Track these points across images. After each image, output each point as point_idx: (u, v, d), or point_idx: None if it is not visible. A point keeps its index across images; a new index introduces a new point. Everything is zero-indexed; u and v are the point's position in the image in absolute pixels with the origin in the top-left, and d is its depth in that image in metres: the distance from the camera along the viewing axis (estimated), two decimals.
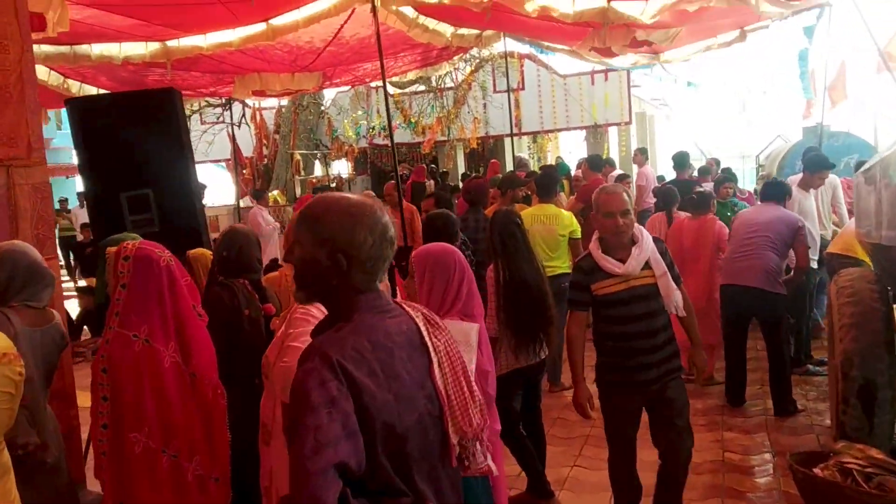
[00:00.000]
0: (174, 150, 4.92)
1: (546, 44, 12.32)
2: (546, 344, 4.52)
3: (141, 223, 4.85)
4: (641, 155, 12.28)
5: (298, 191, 17.10)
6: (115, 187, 4.79)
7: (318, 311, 2.53)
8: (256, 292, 3.71)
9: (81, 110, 4.77)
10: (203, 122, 18.11)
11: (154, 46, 9.32)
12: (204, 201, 18.89)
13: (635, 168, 13.09)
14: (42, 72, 10.26)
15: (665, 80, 18.83)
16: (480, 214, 6.58)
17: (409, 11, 9.27)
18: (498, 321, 4.35)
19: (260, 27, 8.87)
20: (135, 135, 4.79)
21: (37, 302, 3.26)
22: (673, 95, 24.28)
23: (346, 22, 9.39)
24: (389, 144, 17.55)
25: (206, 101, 16.68)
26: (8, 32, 3.99)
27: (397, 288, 4.54)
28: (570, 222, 6.68)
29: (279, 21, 8.80)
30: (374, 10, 8.34)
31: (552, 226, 6.57)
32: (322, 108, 17.99)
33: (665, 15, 7.85)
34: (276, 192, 16.25)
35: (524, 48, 14.79)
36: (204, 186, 5.39)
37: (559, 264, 6.55)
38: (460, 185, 13.98)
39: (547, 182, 6.78)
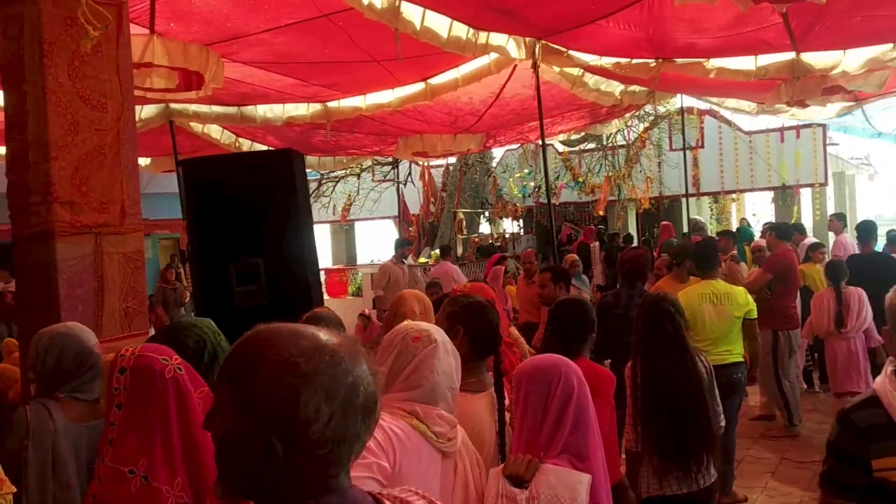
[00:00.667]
0: (289, 217, 4.51)
1: (726, 103, 11.27)
2: (708, 467, 3.58)
3: (249, 295, 4.45)
4: (839, 221, 10.72)
5: (460, 249, 16.75)
6: (223, 255, 4.43)
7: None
8: None
9: (194, 172, 4.48)
10: (374, 180, 18.32)
11: (315, 108, 9.33)
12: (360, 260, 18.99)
13: (831, 236, 11.50)
14: (215, 130, 10.63)
15: (867, 135, 16.89)
16: (636, 291, 5.67)
17: (573, 69, 8.64)
18: (635, 432, 3.51)
19: (418, 87, 8.60)
20: (248, 199, 4.43)
21: (86, 394, 2.84)
22: (878, 153, 21.87)
23: (506, 82, 8.93)
24: (555, 204, 17.09)
25: (375, 159, 16.81)
26: (107, 90, 3.73)
27: None
28: (745, 300, 5.64)
29: (438, 80, 8.49)
30: (534, 66, 7.80)
31: (725, 306, 5.56)
32: (488, 166, 17.64)
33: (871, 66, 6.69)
34: (437, 251, 15.97)
35: (704, 104, 13.73)
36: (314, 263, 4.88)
37: (731, 350, 5.52)
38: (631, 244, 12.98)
39: (707, 253, 5.77)
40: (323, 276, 18.37)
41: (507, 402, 2.59)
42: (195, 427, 2.07)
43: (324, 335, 1.12)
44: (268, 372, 1.05)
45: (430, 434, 2.05)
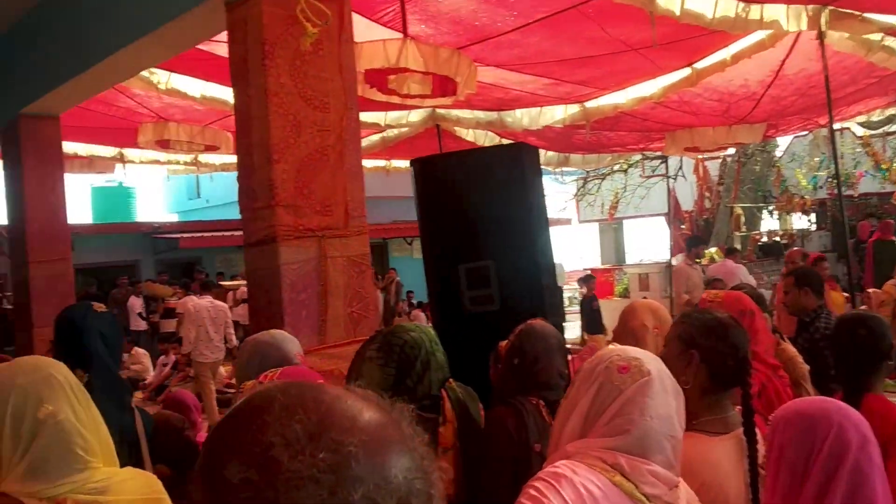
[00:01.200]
0: (521, 216, 4.14)
1: None
2: None
3: (479, 300, 4.15)
4: None
5: (739, 247, 15.30)
6: (454, 257, 4.17)
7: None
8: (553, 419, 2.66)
9: (425, 170, 4.27)
10: (642, 175, 17.46)
11: (573, 109, 8.93)
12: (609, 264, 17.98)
13: None
14: (480, 134, 10.62)
15: None
16: None
17: (871, 34, 7.30)
18: None
19: (683, 73, 7.84)
20: (478, 197, 4.13)
21: None
22: None
23: (786, 57, 7.81)
24: (854, 195, 14.95)
25: (644, 154, 15.96)
26: (330, 90, 3.62)
27: None
28: None
29: (703, 64, 7.67)
30: (820, 37, 6.70)
31: None
32: (771, 156, 15.94)
33: None
34: (713, 250, 14.72)
35: None
36: (553, 258, 4.45)
37: None
38: None
39: None
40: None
41: (761, 448, 1.99)
42: None
43: (348, 405, 0.71)
44: (235, 470, 0.66)
45: (638, 495, 1.54)
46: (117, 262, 17.52)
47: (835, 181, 15.09)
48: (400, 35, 5.84)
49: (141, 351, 12.82)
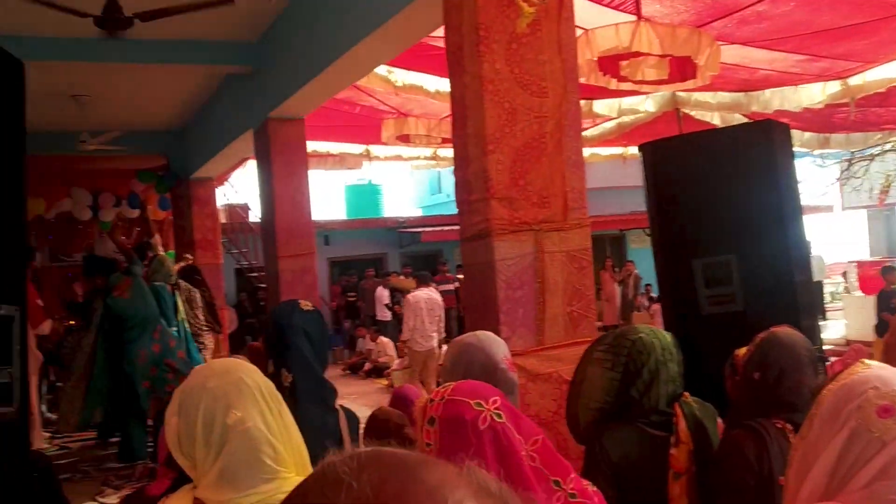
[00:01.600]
0: (769, 203, 3.62)
1: None
2: None
3: (719, 300, 3.69)
4: None
5: None
6: (688, 250, 3.75)
7: None
8: None
9: (654, 154, 3.88)
10: None
11: (833, 88, 7.92)
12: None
13: None
14: (726, 119, 9.80)
15: None
16: None
17: None
18: None
19: None
20: (717, 183, 3.68)
21: None
22: None
23: None
24: None
25: None
26: (548, 73, 3.38)
27: None
28: None
29: None
30: None
31: None
32: None
33: None
34: None
35: None
36: (808, 250, 3.88)
37: None
38: None
39: None
40: (855, 271, 15.99)
41: None
42: (520, 492, 1.50)
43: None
44: None
45: None
46: (366, 255, 18.61)
47: None
48: (633, 18, 5.46)
49: (386, 340, 13.46)
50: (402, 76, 6.92)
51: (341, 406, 2.47)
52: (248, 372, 1.68)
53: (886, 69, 7.38)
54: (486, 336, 2.57)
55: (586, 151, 11.40)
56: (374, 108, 8.44)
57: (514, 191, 3.29)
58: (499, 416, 1.62)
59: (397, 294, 15.04)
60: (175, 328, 6.91)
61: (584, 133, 10.18)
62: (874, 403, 1.18)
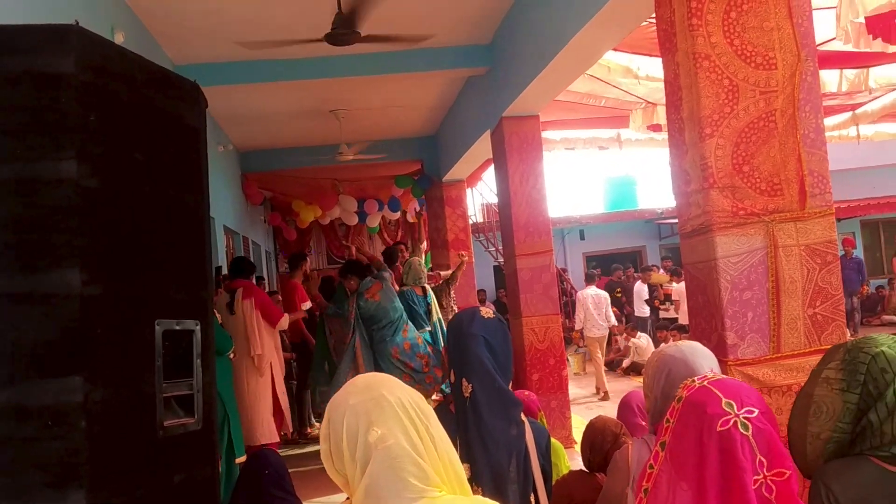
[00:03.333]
0: None
1: None
2: None
3: None
4: None
5: None
6: None
7: None
8: None
9: None
10: None
11: None
12: None
13: None
14: None
15: None
16: None
17: None
18: None
19: None
20: None
21: None
22: None
23: None
24: None
25: None
26: (776, 41, 2.94)
27: None
28: None
29: None
30: None
31: None
32: None
33: None
34: None
35: None
36: None
37: None
38: None
39: None
40: None
41: None
42: None
43: None
44: None
45: None
46: (624, 248, 18.11)
47: None
48: None
49: (645, 337, 12.98)
50: (644, 65, 6.55)
51: (529, 419, 2.33)
52: (391, 388, 1.61)
53: None
54: (690, 347, 2.29)
55: (870, 129, 10.12)
56: (619, 100, 8.12)
57: (737, 178, 2.91)
58: (745, 426, 1.48)
59: (655, 289, 14.45)
60: (429, 329, 7.09)
61: (864, 108, 9.05)
62: None
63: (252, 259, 8.70)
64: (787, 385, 2.89)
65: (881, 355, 2.01)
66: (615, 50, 5.84)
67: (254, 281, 6.61)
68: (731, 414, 1.51)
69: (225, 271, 7.20)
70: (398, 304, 6.65)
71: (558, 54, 5.06)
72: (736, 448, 1.48)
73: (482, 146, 7.92)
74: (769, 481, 1.49)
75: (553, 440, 3.73)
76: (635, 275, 15.88)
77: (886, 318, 15.60)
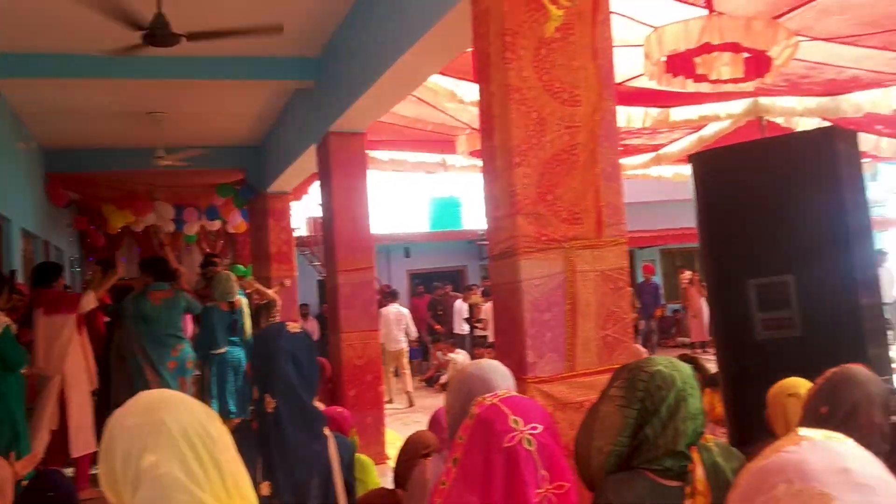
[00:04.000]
0: (832, 219, 3.28)
1: None
2: None
3: (775, 324, 3.37)
4: None
5: None
6: (741, 270, 3.44)
7: None
8: None
9: (705, 165, 3.59)
10: None
11: None
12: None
13: None
14: (812, 126, 9.21)
15: None
16: None
17: None
18: None
19: None
20: (774, 197, 3.36)
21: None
22: None
23: None
24: None
25: None
26: (581, 80, 3.17)
27: None
28: None
29: None
30: None
31: None
32: None
33: None
34: None
35: None
36: (876, 271, 3.54)
37: None
38: None
39: None
40: None
41: None
42: None
43: None
44: None
45: None
46: (447, 267, 18.54)
47: None
48: (705, 12, 5.15)
49: (463, 353, 13.34)
50: (469, 91, 6.77)
51: (334, 433, 2.33)
52: (174, 411, 1.53)
53: None
54: (489, 365, 2.39)
55: (669, 170, 11.02)
56: (445, 125, 8.33)
57: (541, 206, 3.09)
58: (529, 443, 1.55)
59: (474, 308, 14.90)
60: (223, 349, 6.83)
61: (665, 150, 9.86)
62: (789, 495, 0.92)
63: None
64: (579, 402, 3.08)
65: (658, 374, 2.20)
66: (441, 73, 6.00)
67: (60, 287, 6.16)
68: (517, 430, 1.59)
69: (22, 279, 6.65)
70: (177, 320, 6.43)
71: (383, 75, 5.14)
72: (521, 463, 1.57)
73: (308, 160, 7.86)
74: (550, 494, 1.58)
75: (363, 456, 3.75)
76: (452, 294, 16.32)
77: (680, 339, 16.99)
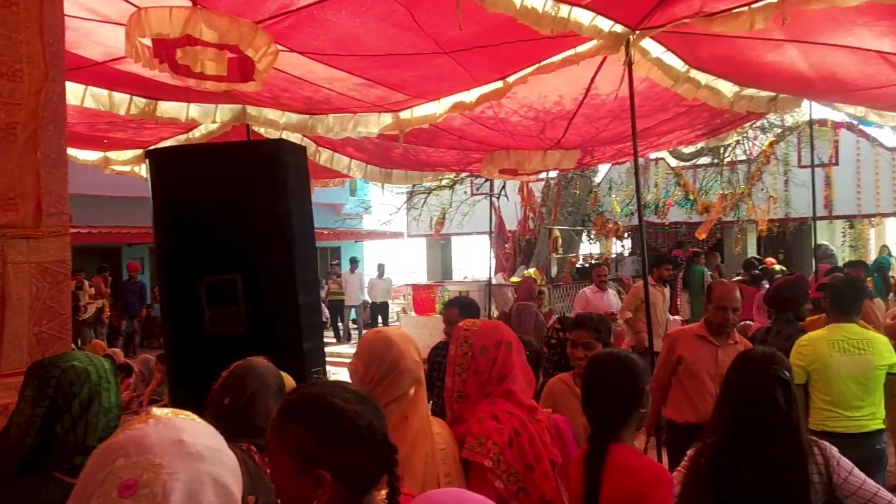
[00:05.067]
0: (279, 223, 3.59)
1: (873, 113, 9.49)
2: None
3: (223, 319, 3.55)
4: None
5: (555, 270, 15.49)
6: (193, 267, 3.55)
7: None
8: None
9: (160, 163, 3.63)
10: (473, 193, 17.40)
11: (385, 119, 8.35)
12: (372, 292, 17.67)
13: None
14: (295, 139, 9.80)
15: None
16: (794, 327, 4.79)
17: (676, 63, 7.31)
18: None
19: (496, 85, 7.54)
20: (224, 200, 3.54)
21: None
22: None
23: (595, 74, 7.68)
24: (665, 223, 15.58)
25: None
26: (24, 54, 2.91)
27: None
28: (888, 349, 4.31)
29: (515, 77, 7.41)
30: (628, 63, 6.57)
31: (865, 355, 4.23)
32: (591, 181, 16.32)
33: None
34: (532, 270, 14.80)
35: (839, 115, 12.00)
36: (315, 273, 3.96)
37: (873, 413, 4.19)
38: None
39: (850, 295, 4.44)
40: (411, 292, 17.59)
41: None
42: None
43: None
44: None
45: None
46: None
47: (648, 208, 15.65)
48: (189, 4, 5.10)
49: None
50: None
51: None
52: None
53: (430, 107, 7.94)
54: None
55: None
56: None
57: None
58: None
59: None
60: None
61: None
62: (118, 477, 1.00)
63: None
64: (4, 404, 2.81)
65: (71, 369, 2.13)
66: None
67: None
68: None
69: None
70: None
71: None
72: None
73: None
74: None
75: None
76: None
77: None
